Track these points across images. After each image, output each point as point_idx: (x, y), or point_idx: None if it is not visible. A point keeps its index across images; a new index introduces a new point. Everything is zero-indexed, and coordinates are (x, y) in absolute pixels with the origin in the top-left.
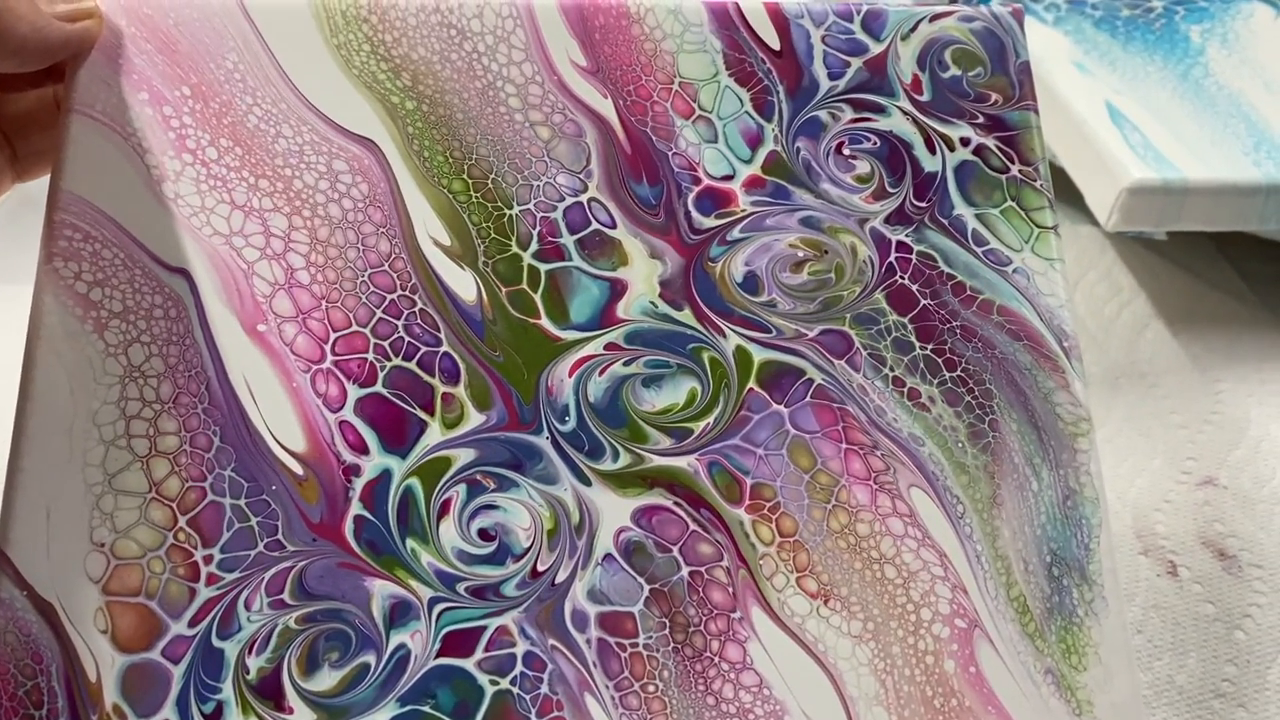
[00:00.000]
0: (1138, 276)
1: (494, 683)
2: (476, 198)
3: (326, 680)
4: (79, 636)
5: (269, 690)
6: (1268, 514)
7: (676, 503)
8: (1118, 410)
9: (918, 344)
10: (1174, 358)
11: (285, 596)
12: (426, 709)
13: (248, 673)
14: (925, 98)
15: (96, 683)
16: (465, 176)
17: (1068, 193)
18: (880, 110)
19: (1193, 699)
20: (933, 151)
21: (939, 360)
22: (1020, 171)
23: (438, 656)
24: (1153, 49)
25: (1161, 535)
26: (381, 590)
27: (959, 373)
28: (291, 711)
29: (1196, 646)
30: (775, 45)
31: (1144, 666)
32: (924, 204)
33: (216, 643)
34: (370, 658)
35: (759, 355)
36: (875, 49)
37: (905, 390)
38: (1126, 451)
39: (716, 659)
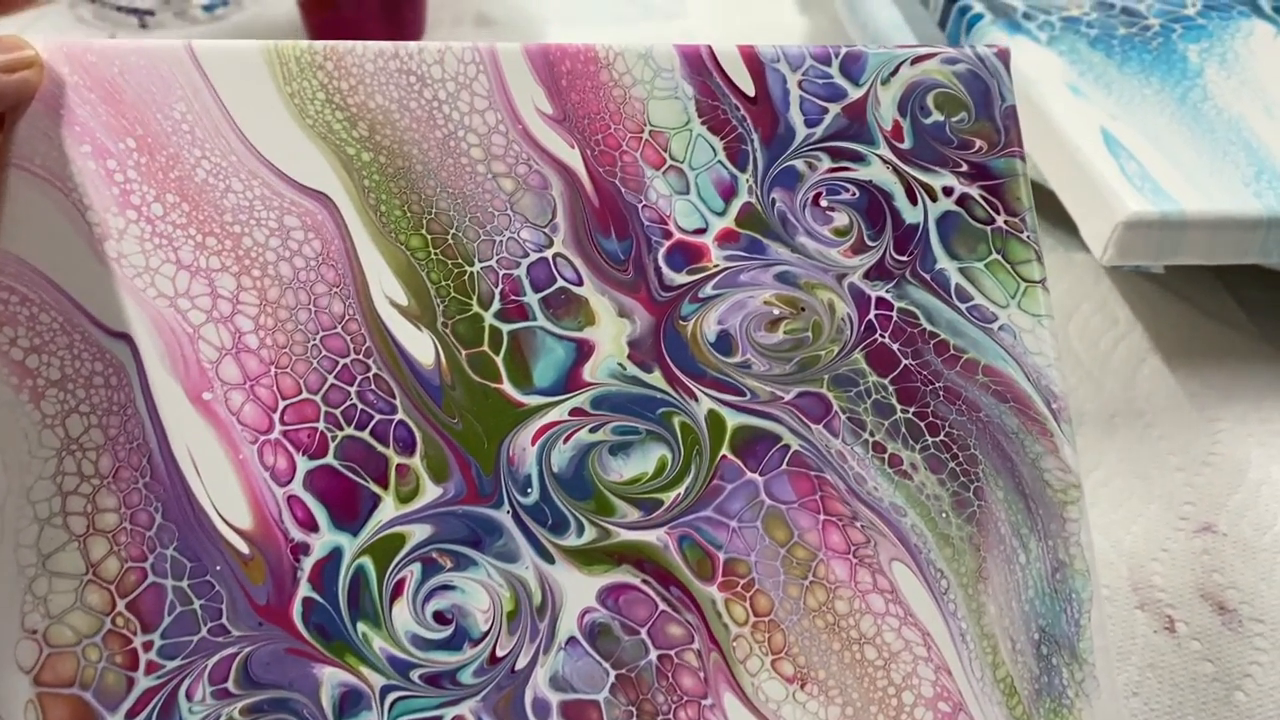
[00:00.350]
0: (1134, 308)
1: None
2: (436, 254)
3: None
4: None
5: None
6: (1269, 564)
7: (645, 580)
8: (1113, 452)
9: (899, 407)
10: (1171, 395)
11: (230, 685)
12: None
13: None
14: (906, 145)
15: None
16: (424, 232)
17: (1061, 218)
18: (859, 159)
19: None
20: (914, 202)
21: (921, 424)
22: (1006, 222)
23: None
24: (1149, 70)
25: (1159, 587)
26: (331, 678)
27: (942, 437)
28: None
29: (1195, 709)
30: (750, 91)
31: None
32: (905, 258)
33: None
34: None
35: (732, 420)
36: (854, 94)
37: (886, 457)
38: (1123, 496)
39: None
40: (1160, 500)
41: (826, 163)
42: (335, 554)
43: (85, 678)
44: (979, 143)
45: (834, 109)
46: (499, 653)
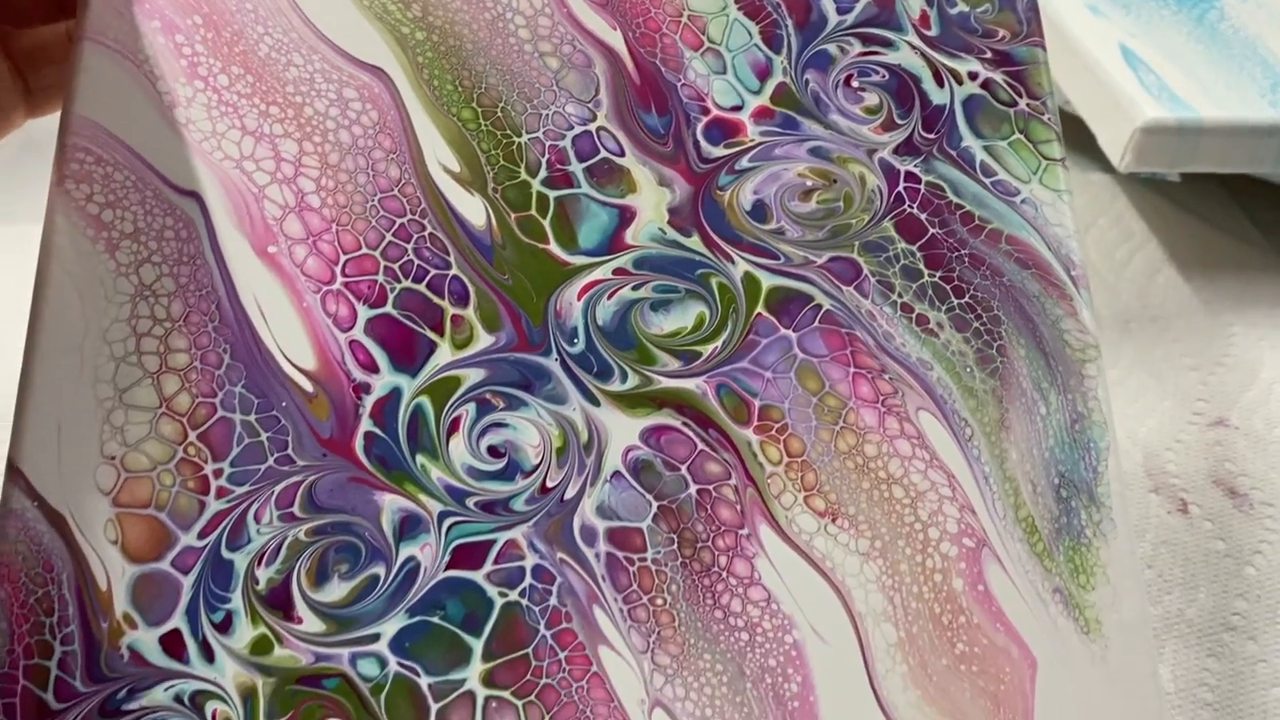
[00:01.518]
0: (1149, 222)
1: (503, 594)
2: (486, 126)
3: (336, 591)
4: (89, 547)
5: (278, 601)
6: (1279, 454)
7: (685, 423)
8: (1128, 353)
9: (926, 271)
10: (1185, 302)
11: (295, 510)
12: (435, 620)
13: (257, 583)
14: (933, 33)
15: (107, 591)
16: (475, 105)
17: (1078, 140)
18: (889, 44)
19: (1203, 632)
20: (941, 85)
21: (947, 287)
22: (1028, 105)
23: (447, 569)
24: None
25: (1172, 474)
26: (391, 504)
27: (967, 299)
28: (300, 621)
29: (1207, 581)
30: None
31: (1154, 600)
32: (932, 136)
33: (226, 554)
34: (380, 569)
35: (767, 281)
36: None
37: (914, 316)
38: (1137, 393)
39: (724, 574)
40: (1174, 397)
41: (857, 47)
42: (395, 393)
43: (160, 500)
44: (1002, 32)
45: None
46: (549, 484)
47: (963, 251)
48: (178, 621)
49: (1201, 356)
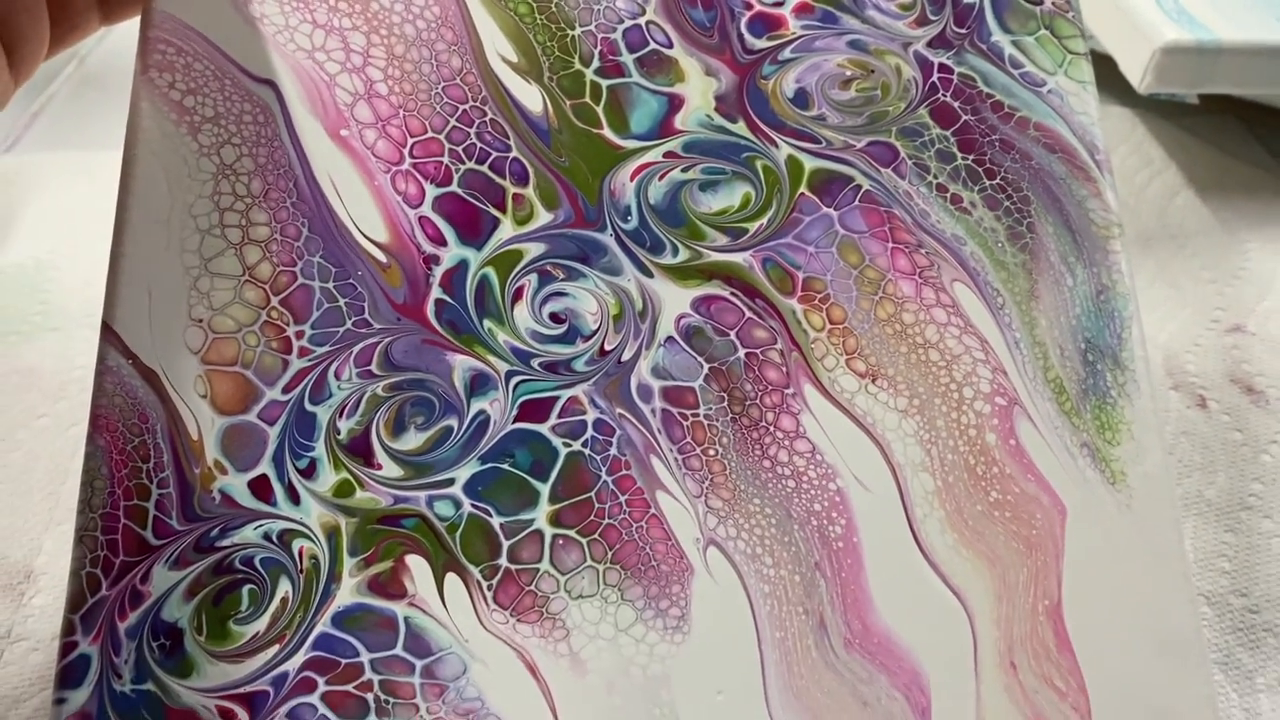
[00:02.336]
0: (1168, 150)
1: (567, 445)
2: (541, 19)
3: (413, 441)
4: (181, 400)
5: (359, 449)
6: None
7: (733, 293)
8: (1148, 268)
9: (959, 155)
10: (1203, 221)
11: (373, 368)
12: (505, 466)
13: (338, 433)
14: None
15: (198, 440)
16: (530, 0)
17: (1098, 75)
18: None
19: (1221, 510)
20: None
21: (979, 169)
22: (1053, 4)
23: (515, 421)
24: None
25: (1191, 374)
26: (462, 364)
27: (998, 181)
28: (380, 467)
29: (1225, 466)
30: None
31: (1175, 482)
32: (963, 30)
33: (309, 407)
34: (453, 421)
35: (809, 164)
36: None
37: (948, 196)
38: (1157, 302)
39: (772, 428)
40: (1193, 306)
41: None
42: (462, 265)
43: (245, 359)
44: None
45: None
46: (607, 347)
47: (993, 137)
48: (265, 468)
49: (1218, 270)
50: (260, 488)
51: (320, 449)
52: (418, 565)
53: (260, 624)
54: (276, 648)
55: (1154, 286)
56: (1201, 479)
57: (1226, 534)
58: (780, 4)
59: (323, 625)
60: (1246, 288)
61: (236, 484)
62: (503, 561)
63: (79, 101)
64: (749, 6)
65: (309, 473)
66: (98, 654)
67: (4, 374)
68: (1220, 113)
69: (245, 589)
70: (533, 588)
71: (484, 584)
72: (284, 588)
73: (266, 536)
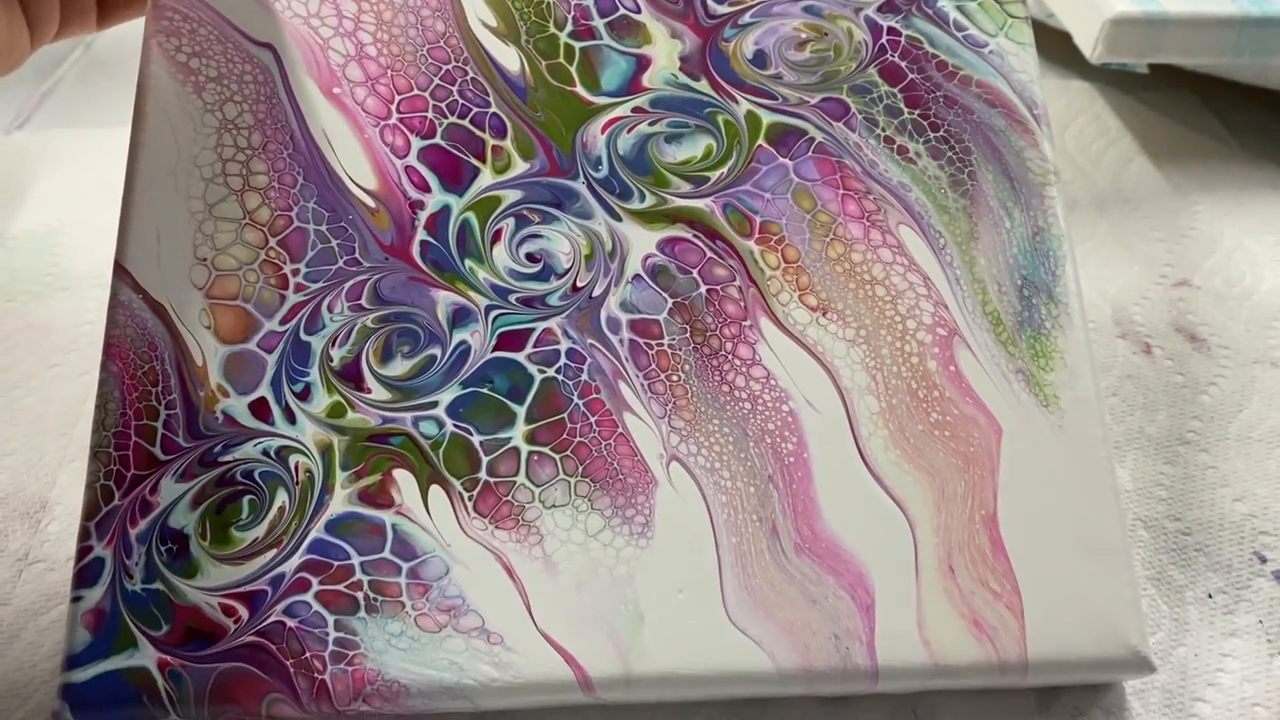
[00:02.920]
0: (1124, 120)
1: (541, 371)
2: None
3: (400, 367)
4: (186, 330)
5: (350, 374)
6: (1236, 307)
7: (695, 235)
8: (1101, 228)
9: (906, 110)
10: (1156, 185)
11: (363, 302)
12: (485, 390)
13: (331, 360)
14: None
15: (203, 366)
16: None
17: (1059, 52)
18: None
19: (1160, 445)
20: None
21: (924, 123)
22: None
23: (494, 350)
24: None
25: (1138, 323)
26: (445, 299)
27: (942, 133)
28: (370, 391)
29: (1166, 405)
30: None
31: (1117, 420)
32: None
33: (304, 337)
34: (436, 350)
35: (767, 118)
36: None
37: (895, 147)
38: (1109, 259)
39: (730, 356)
40: (1143, 263)
41: None
42: (445, 210)
43: (246, 293)
44: None
45: None
46: (579, 284)
47: (938, 94)
48: (264, 391)
49: (1169, 230)
50: (260, 409)
51: (315, 374)
52: (404, 478)
53: (259, 530)
54: (274, 551)
55: (1106, 245)
56: (1143, 417)
57: (1165, 465)
58: None
59: (317, 531)
60: (1195, 245)
61: (238, 405)
62: (482, 475)
63: (86, 83)
64: None
65: (304, 395)
66: (111, 557)
67: (19, 329)
68: (1176, 86)
69: (246, 499)
70: (509, 498)
71: (465, 495)
72: (281, 498)
73: (265, 452)
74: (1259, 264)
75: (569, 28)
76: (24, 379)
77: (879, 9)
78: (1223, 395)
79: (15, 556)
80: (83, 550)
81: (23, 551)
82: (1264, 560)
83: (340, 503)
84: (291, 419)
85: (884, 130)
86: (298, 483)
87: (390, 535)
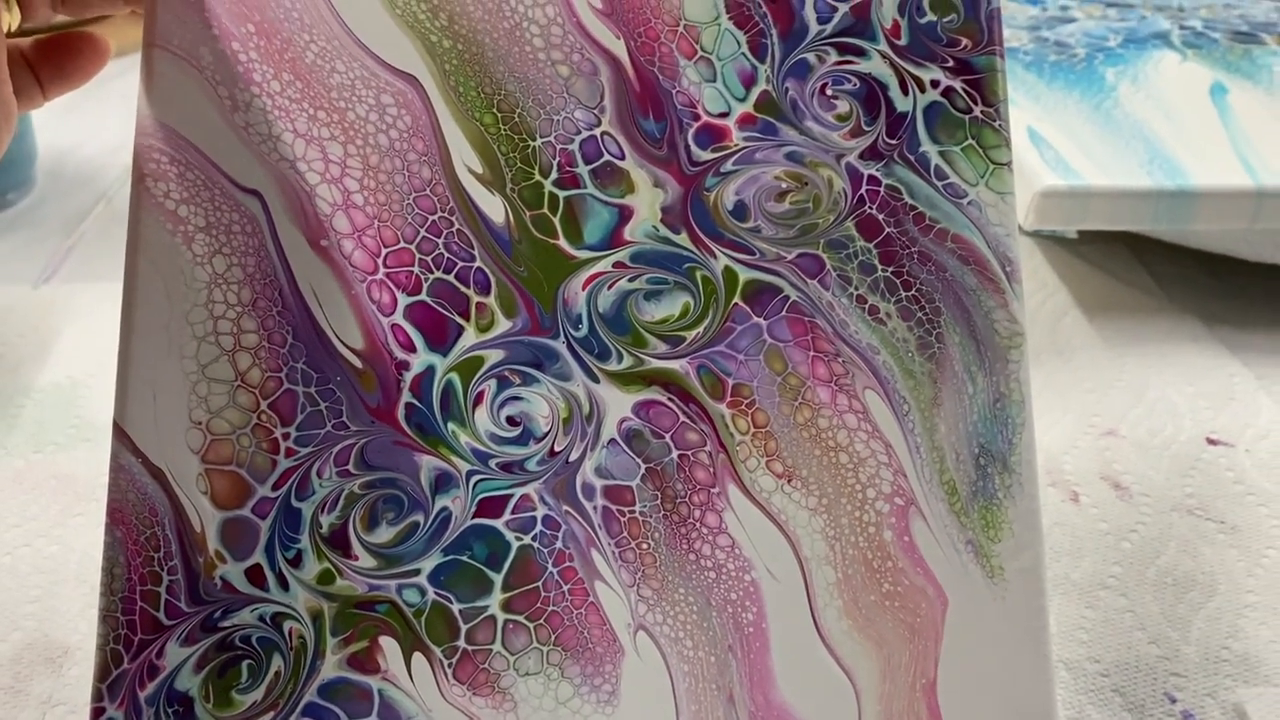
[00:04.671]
0: (1060, 275)
1: (519, 539)
2: (505, 130)
3: (385, 534)
4: (185, 496)
5: (338, 541)
6: (1158, 456)
7: (670, 398)
8: (1037, 379)
9: (880, 267)
10: (1088, 338)
11: (350, 467)
12: (464, 558)
13: (321, 527)
14: (903, 42)
15: (201, 533)
16: (495, 110)
17: None
18: (862, 53)
19: (1083, 590)
20: (905, 93)
21: (897, 281)
22: (982, 112)
23: (474, 517)
24: (1072, 86)
25: (1068, 472)
26: (428, 464)
27: (913, 292)
28: (357, 558)
29: (1090, 552)
30: None
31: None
32: (894, 141)
33: (295, 503)
34: (419, 517)
35: (744, 275)
36: None
37: (867, 307)
38: (1043, 410)
39: (698, 524)
40: (1074, 413)
41: (834, 56)
42: (429, 370)
43: (240, 458)
44: (965, 40)
45: (843, 8)
46: (556, 448)
47: (913, 249)
48: (258, 557)
49: (1098, 380)
50: (255, 575)
51: (305, 541)
52: (389, 645)
53: (258, 693)
54: (272, 713)
55: (1041, 397)
56: (1069, 563)
57: (1086, 610)
58: (725, 114)
59: (310, 695)
60: (1121, 396)
61: (235, 572)
62: (461, 643)
63: (107, 238)
64: (696, 117)
65: (296, 562)
66: (123, 718)
67: (44, 479)
68: (1109, 240)
69: (245, 663)
70: (486, 666)
71: (445, 662)
72: (277, 663)
73: (261, 618)
74: (1179, 414)
75: (554, 175)
76: (49, 528)
77: (861, 155)
78: (1142, 541)
79: (39, 700)
80: (95, 711)
81: (46, 695)
82: (1174, 700)
83: (331, 668)
84: (285, 585)
85: (856, 289)
86: (291, 648)
87: (377, 700)
